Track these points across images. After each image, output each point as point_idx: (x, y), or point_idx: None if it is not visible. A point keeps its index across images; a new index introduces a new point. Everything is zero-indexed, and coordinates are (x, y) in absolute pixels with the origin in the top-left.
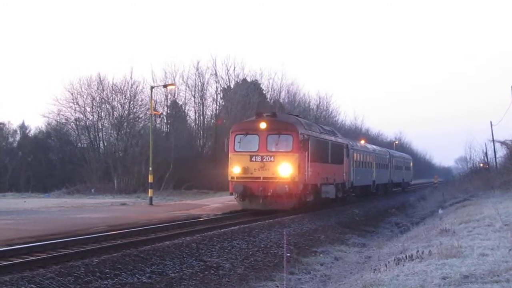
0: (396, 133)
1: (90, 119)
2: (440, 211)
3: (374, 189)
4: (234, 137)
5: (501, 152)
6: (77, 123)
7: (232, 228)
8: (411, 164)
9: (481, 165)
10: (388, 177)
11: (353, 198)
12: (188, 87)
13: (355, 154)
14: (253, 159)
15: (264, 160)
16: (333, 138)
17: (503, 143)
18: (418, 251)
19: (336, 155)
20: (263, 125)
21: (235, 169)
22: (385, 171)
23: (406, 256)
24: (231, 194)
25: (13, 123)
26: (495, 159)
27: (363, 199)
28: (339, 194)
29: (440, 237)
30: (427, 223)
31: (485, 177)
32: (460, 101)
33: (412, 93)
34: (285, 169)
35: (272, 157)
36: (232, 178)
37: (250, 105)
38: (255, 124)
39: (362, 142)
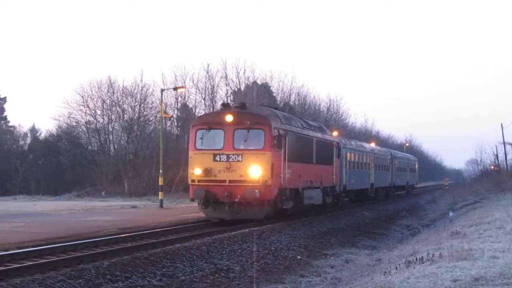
0: (406, 136)
1: (100, 122)
2: (451, 214)
3: (372, 193)
4: (195, 133)
5: None
6: (88, 126)
7: (243, 230)
8: (417, 165)
9: (492, 167)
10: (389, 180)
11: (347, 204)
12: (198, 89)
13: (348, 154)
14: (218, 158)
15: (230, 159)
16: (319, 135)
17: None
18: (428, 254)
19: (323, 155)
20: (229, 118)
21: (196, 171)
22: (385, 173)
23: (416, 259)
24: (192, 200)
25: (24, 126)
26: (506, 162)
27: (358, 205)
28: (327, 200)
29: (451, 239)
30: (438, 226)
31: (496, 179)
32: (471, 103)
33: (423, 95)
34: (255, 171)
35: (240, 156)
36: (193, 181)
37: None
38: (220, 117)
39: (363, 142)
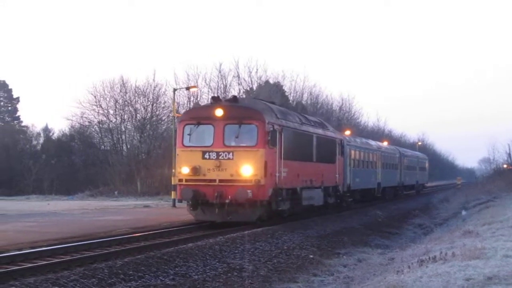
0: (419, 135)
1: (113, 121)
2: (463, 213)
3: (379, 193)
4: (183, 128)
5: None
6: (100, 125)
7: (256, 230)
8: (427, 164)
9: (505, 166)
10: (397, 179)
11: (351, 204)
12: (211, 89)
13: (352, 152)
14: (207, 156)
15: (220, 157)
16: (320, 131)
17: None
18: (441, 253)
19: (324, 152)
20: (219, 113)
21: (183, 170)
22: (393, 172)
23: (429, 258)
24: (180, 201)
25: (37, 126)
26: None
27: (363, 205)
28: (329, 200)
29: (464, 238)
30: (450, 225)
31: (508, 178)
32: (484, 102)
33: (436, 94)
34: (247, 169)
35: (231, 154)
36: (180, 180)
37: None
38: (209, 111)
39: (369, 139)
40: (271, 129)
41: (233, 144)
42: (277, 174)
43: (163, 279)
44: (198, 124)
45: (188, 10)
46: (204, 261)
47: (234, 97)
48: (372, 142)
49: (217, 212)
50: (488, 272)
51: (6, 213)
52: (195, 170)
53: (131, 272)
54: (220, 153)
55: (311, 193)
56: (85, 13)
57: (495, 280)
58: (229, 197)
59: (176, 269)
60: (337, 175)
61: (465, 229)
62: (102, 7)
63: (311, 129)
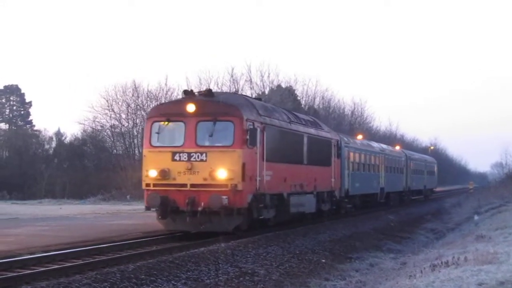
0: (431, 139)
1: (125, 126)
2: (476, 217)
3: (382, 199)
4: (151, 126)
5: None
6: (113, 130)
7: (267, 234)
8: (436, 168)
9: None
10: (403, 184)
11: (351, 211)
12: None
13: (351, 154)
14: (177, 157)
15: (192, 159)
16: (312, 131)
17: None
18: (453, 257)
19: (318, 154)
20: (191, 108)
21: (150, 173)
22: (399, 176)
23: (441, 262)
24: (147, 208)
25: (49, 130)
26: None
27: (364, 212)
28: (323, 207)
29: (476, 243)
30: (463, 229)
31: None
32: (497, 106)
33: (448, 98)
34: (222, 172)
35: (204, 155)
36: (148, 185)
37: None
38: (180, 107)
39: (364, 139)
40: (251, 126)
41: (206, 143)
42: (258, 178)
43: (175, 283)
44: (168, 121)
45: (201, 15)
46: (216, 265)
47: (209, 90)
48: (375, 144)
49: (188, 221)
50: (501, 277)
51: (18, 217)
52: (164, 173)
53: (143, 276)
54: (191, 154)
55: (301, 199)
56: (98, 17)
57: (508, 285)
58: (202, 204)
59: (188, 273)
60: (332, 179)
61: (478, 233)
62: (115, 12)
63: (301, 128)
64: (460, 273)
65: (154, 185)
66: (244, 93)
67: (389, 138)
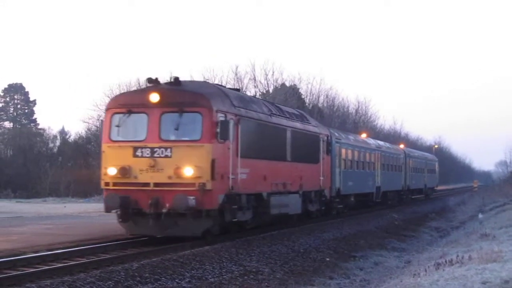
0: (435, 137)
1: None
2: (480, 216)
3: (378, 198)
4: (111, 118)
5: None
6: None
7: (272, 232)
8: (437, 166)
9: None
10: (401, 182)
11: (343, 211)
12: None
13: (343, 151)
14: (139, 153)
15: (155, 155)
16: (297, 125)
17: None
18: (458, 256)
19: (304, 150)
20: (155, 98)
21: (110, 171)
22: (397, 174)
23: (446, 261)
24: (107, 210)
25: (53, 129)
26: None
27: (358, 213)
28: (310, 207)
29: (480, 241)
30: (467, 228)
31: None
32: (501, 105)
33: (452, 97)
34: (189, 170)
35: (169, 150)
36: (107, 184)
37: None
38: (143, 97)
39: (364, 135)
40: (222, 118)
41: (172, 137)
42: (231, 176)
43: (179, 281)
44: (129, 112)
45: (206, 13)
46: (220, 264)
47: (176, 78)
48: (371, 141)
49: (151, 224)
50: (505, 276)
51: (23, 215)
52: (124, 171)
53: (147, 274)
54: (155, 150)
55: (283, 199)
56: (102, 16)
57: None
58: (167, 205)
59: (193, 271)
60: (321, 178)
61: (482, 232)
62: (120, 11)
63: (284, 122)
64: (465, 271)
65: (114, 184)
66: (248, 92)
67: (393, 137)
